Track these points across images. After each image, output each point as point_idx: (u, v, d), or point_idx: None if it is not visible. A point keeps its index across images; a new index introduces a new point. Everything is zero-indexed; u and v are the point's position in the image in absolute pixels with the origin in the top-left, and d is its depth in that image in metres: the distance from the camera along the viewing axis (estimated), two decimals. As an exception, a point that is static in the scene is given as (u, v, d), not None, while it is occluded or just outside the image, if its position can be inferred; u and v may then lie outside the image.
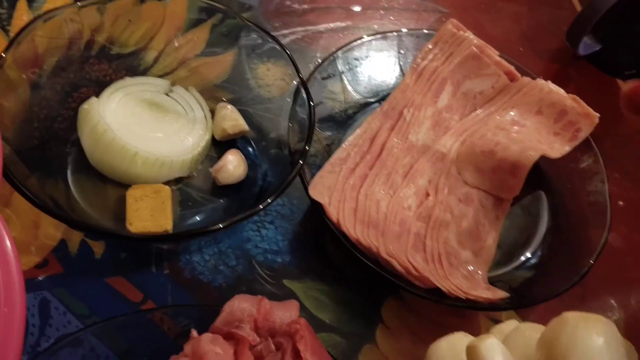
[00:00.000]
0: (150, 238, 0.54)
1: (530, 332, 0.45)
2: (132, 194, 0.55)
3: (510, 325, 0.47)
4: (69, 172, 0.58)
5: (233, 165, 0.59)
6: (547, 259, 0.63)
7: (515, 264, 0.63)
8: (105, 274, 0.55)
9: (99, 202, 0.56)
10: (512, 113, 0.68)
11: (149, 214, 0.55)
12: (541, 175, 0.70)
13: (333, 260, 0.60)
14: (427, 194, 0.62)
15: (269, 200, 0.50)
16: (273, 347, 0.44)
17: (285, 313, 0.46)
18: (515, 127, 0.67)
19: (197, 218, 0.58)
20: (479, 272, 0.59)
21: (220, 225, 0.49)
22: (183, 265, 0.56)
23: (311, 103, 0.56)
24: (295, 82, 0.59)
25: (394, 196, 0.60)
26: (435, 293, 0.55)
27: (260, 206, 0.50)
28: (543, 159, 0.65)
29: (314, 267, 0.59)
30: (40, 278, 0.53)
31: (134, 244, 0.57)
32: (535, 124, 0.67)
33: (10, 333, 0.34)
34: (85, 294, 0.53)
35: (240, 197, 0.59)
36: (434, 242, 0.58)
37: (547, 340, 0.42)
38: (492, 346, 0.43)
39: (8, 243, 0.37)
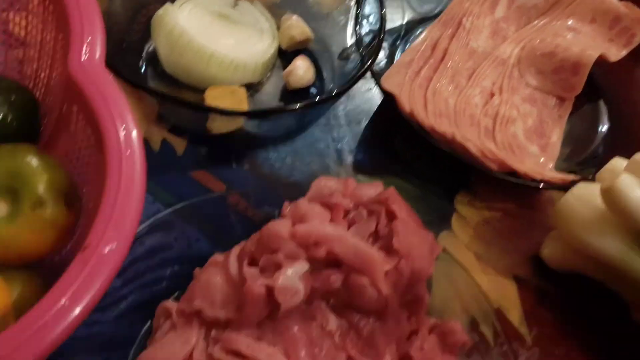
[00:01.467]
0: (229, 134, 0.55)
1: None
2: (210, 94, 0.57)
3: (618, 163, 0.50)
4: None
5: (302, 69, 0.61)
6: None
7: (579, 159, 0.63)
8: (188, 169, 0.56)
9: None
10: (567, 22, 0.69)
11: (229, 119, 0.56)
12: (597, 87, 0.71)
13: (403, 157, 0.61)
14: (492, 94, 0.63)
15: (348, 86, 0.52)
16: (365, 213, 0.45)
17: (370, 190, 0.48)
18: (572, 34, 0.67)
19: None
20: (548, 166, 0.60)
21: (297, 106, 0.50)
22: (261, 161, 0.58)
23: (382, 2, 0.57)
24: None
25: (461, 95, 0.61)
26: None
27: (337, 91, 0.53)
28: (599, 72, 0.67)
29: (385, 164, 0.60)
30: (126, 172, 0.54)
31: (215, 141, 0.58)
32: (590, 32, 0.69)
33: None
34: (171, 185, 0.55)
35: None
36: (503, 135, 0.59)
37: None
38: (628, 181, 0.45)
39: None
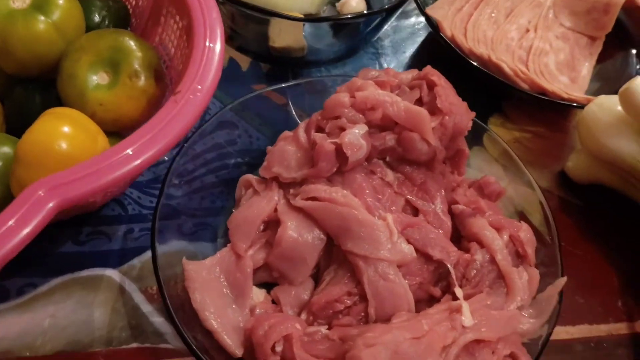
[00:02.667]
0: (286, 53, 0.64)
1: None
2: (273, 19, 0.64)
3: (639, 78, 0.57)
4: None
5: (355, 1, 0.68)
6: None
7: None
8: (251, 82, 0.65)
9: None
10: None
11: (289, 33, 0.63)
12: (629, 34, 0.76)
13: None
14: (528, 30, 0.69)
15: (395, 4, 0.62)
16: (408, 89, 0.52)
17: (408, 75, 0.56)
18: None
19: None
20: (574, 94, 0.66)
21: (349, 16, 0.58)
22: (316, 80, 0.65)
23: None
24: None
25: (499, 29, 0.68)
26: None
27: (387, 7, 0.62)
28: (631, 21, 0.77)
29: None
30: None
31: (275, 60, 0.66)
32: None
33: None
34: (236, 94, 0.63)
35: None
36: (535, 65, 0.65)
37: None
38: None
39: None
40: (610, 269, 0.60)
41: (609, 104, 0.59)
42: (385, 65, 0.72)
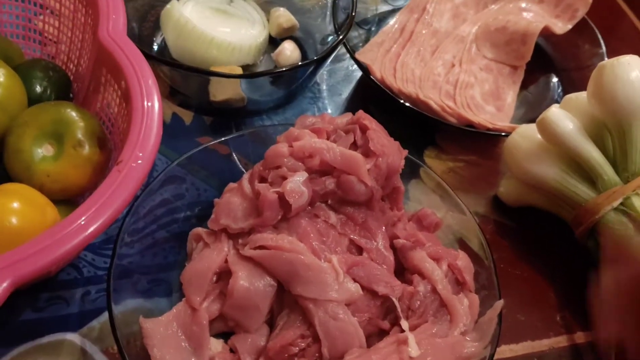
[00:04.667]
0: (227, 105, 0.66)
1: (577, 96, 0.65)
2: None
3: (552, 108, 0.61)
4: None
5: (289, 50, 0.73)
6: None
7: (532, 118, 0.73)
8: (195, 135, 0.67)
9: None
10: (518, 4, 0.80)
11: (228, 87, 0.66)
12: (549, 59, 0.81)
13: (377, 120, 0.71)
14: (453, 65, 0.73)
15: (326, 52, 0.67)
16: (343, 133, 0.55)
17: (343, 118, 0.60)
18: (523, 14, 0.78)
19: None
20: (502, 122, 0.70)
21: (284, 69, 0.61)
22: (257, 128, 0.68)
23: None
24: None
25: (425, 67, 0.72)
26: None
27: (317, 57, 0.66)
28: (549, 46, 0.84)
29: (364, 126, 0.70)
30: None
31: (217, 112, 0.69)
32: (538, 10, 0.81)
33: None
34: (180, 148, 0.65)
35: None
36: (462, 98, 0.70)
37: (594, 87, 0.60)
38: (557, 112, 0.57)
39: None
40: (547, 286, 0.64)
41: (529, 133, 0.63)
42: (323, 109, 0.76)
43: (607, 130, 0.61)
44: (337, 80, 0.80)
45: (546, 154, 0.62)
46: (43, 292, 0.55)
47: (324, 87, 0.78)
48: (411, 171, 0.66)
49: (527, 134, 0.64)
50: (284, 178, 0.55)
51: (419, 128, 0.74)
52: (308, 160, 0.56)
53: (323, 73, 0.80)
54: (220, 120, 0.72)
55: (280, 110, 0.74)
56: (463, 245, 0.62)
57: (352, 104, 0.77)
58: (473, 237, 0.62)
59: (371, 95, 0.74)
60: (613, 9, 1.01)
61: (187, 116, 0.72)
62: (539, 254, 0.66)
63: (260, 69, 0.77)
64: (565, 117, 0.59)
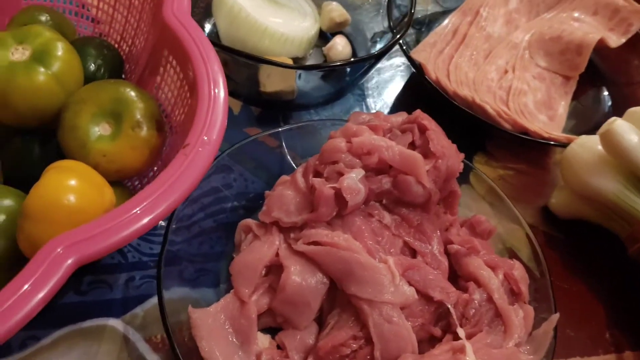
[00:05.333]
0: (277, 96, 0.66)
1: None
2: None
3: (618, 120, 0.60)
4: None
5: (341, 45, 0.71)
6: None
7: (583, 131, 0.71)
8: (243, 125, 0.66)
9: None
10: (572, 14, 0.78)
11: (279, 78, 0.65)
12: (600, 73, 0.80)
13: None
14: (506, 71, 0.72)
15: (381, 51, 0.65)
16: (399, 132, 0.54)
17: (398, 117, 0.58)
18: (576, 24, 0.77)
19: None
20: (554, 133, 0.69)
21: (338, 63, 0.59)
22: (306, 122, 0.67)
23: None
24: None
25: (479, 71, 0.70)
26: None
27: (371, 54, 0.64)
28: (601, 60, 0.81)
29: (413, 127, 0.68)
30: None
31: (266, 104, 0.67)
32: (592, 22, 0.79)
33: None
34: (228, 137, 0.63)
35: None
36: (515, 105, 0.68)
37: None
38: (622, 124, 0.55)
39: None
40: (597, 302, 0.62)
41: (590, 144, 0.62)
42: (371, 106, 0.74)
43: None
44: (385, 78, 0.78)
45: (606, 166, 0.60)
46: (86, 275, 0.54)
47: (372, 84, 0.77)
48: (461, 176, 0.64)
49: (587, 145, 0.62)
50: (341, 174, 0.53)
51: (470, 133, 0.72)
52: (366, 157, 0.54)
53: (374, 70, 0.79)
54: (268, 112, 0.71)
55: (328, 106, 0.73)
56: (513, 255, 0.60)
57: (401, 104, 0.76)
58: (523, 247, 0.61)
59: (421, 95, 0.73)
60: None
61: (235, 106, 0.71)
62: (589, 269, 0.65)
63: (310, 62, 0.76)
64: (630, 130, 0.58)
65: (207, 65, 0.49)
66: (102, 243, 0.38)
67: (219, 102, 0.47)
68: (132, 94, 0.51)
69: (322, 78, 0.69)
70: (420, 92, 0.71)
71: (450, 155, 0.56)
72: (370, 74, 0.78)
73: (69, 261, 0.37)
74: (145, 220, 0.39)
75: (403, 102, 0.76)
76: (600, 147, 0.60)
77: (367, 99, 0.75)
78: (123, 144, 0.50)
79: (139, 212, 0.39)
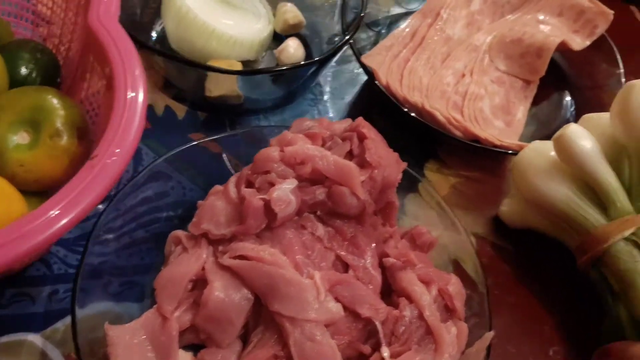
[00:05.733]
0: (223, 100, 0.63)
1: (598, 116, 0.61)
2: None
3: (572, 125, 0.58)
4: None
5: (293, 47, 0.69)
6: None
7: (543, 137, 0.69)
8: (187, 131, 0.64)
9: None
10: (536, 16, 0.76)
11: (223, 83, 0.63)
12: (563, 75, 0.77)
13: (381, 129, 0.67)
14: (463, 75, 0.70)
15: (329, 54, 0.63)
16: (340, 140, 0.52)
17: (341, 124, 0.56)
18: (541, 26, 0.75)
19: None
20: (510, 138, 0.67)
21: (284, 68, 0.57)
22: (251, 128, 0.65)
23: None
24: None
25: (435, 75, 0.68)
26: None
27: (319, 58, 0.63)
28: (565, 62, 0.80)
29: (365, 133, 0.67)
30: (133, 131, 0.62)
31: (212, 108, 0.66)
32: (557, 24, 0.77)
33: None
34: (170, 143, 0.62)
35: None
36: (470, 110, 0.66)
37: (620, 108, 0.56)
38: (576, 130, 0.53)
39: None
40: (543, 317, 0.60)
41: (543, 149, 0.60)
42: (324, 112, 0.72)
43: (626, 155, 0.57)
44: (342, 82, 0.76)
45: (558, 173, 0.58)
46: (8, 287, 0.52)
47: (327, 89, 0.75)
48: (409, 185, 0.62)
49: (540, 151, 0.60)
50: (272, 184, 0.52)
51: (422, 139, 0.70)
52: (299, 167, 0.53)
53: (327, 74, 0.77)
54: (214, 116, 0.69)
55: (278, 110, 0.71)
56: (457, 267, 0.59)
57: (355, 109, 0.74)
58: (468, 259, 0.59)
59: (375, 101, 0.71)
60: (635, 28, 0.97)
61: (180, 110, 0.69)
62: (537, 282, 0.63)
63: (262, 65, 0.74)
64: (584, 135, 0.56)
65: (126, 69, 0.47)
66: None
67: (134, 109, 0.45)
68: (54, 101, 0.50)
69: (271, 82, 0.68)
70: (374, 98, 0.69)
71: (387, 165, 0.54)
72: (325, 77, 0.76)
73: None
74: (31, 243, 0.37)
75: (357, 108, 0.74)
76: (553, 153, 0.58)
77: (320, 105, 0.73)
78: (41, 153, 0.49)
79: (30, 229, 0.37)
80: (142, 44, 0.59)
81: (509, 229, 0.66)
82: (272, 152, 0.53)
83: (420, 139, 0.70)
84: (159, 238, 0.56)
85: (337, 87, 0.76)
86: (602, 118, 0.60)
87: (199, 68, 0.61)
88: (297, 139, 0.54)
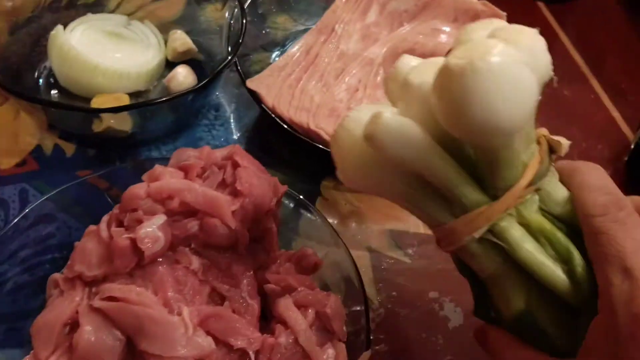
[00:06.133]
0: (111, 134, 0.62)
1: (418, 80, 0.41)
2: (96, 101, 0.66)
3: (384, 116, 0.38)
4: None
5: (182, 75, 0.69)
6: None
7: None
8: (75, 169, 0.64)
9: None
10: (432, 23, 0.76)
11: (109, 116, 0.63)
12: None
13: (275, 150, 0.67)
14: (357, 90, 0.70)
15: (210, 78, 0.63)
16: (216, 169, 0.52)
17: (223, 152, 0.56)
18: (438, 34, 0.75)
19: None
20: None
21: (168, 98, 0.57)
22: (143, 160, 0.65)
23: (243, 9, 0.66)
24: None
25: (327, 92, 0.68)
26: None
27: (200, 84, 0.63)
28: None
29: (259, 156, 0.66)
30: (19, 173, 0.62)
31: (101, 143, 0.65)
32: (452, 30, 0.78)
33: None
34: (58, 184, 0.61)
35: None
36: (363, 125, 0.66)
37: (444, 102, 0.36)
38: (390, 126, 0.38)
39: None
40: (434, 328, 0.60)
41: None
42: (217, 137, 0.72)
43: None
44: (242, 106, 0.76)
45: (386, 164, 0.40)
46: None
47: (222, 113, 0.75)
48: (303, 205, 0.62)
49: (358, 129, 0.40)
50: (140, 222, 0.51)
51: (318, 157, 0.70)
52: (167, 201, 0.52)
53: (221, 98, 0.76)
54: (104, 152, 0.68)
55: (170, 139, 0.71)
56: (349, 284, 0.59)
57: (254, 133, 0.73)
58: (364, 275, 0.59)
59: (270, 125, 0.71)
60: (542, 24, 0.98)
61: (69, 148, 0.68)
62: (432, 291, 0.63)
63: (153, 94, 0.73)
64: (402, 133, 0.37)
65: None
66: None
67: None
68: None
69: (158, 111, 0.67)
70: (270, 119, 0.69)
71: (258, 193, 0.54)
72: (219, 101, 0.76)
73: None
74: None
75: (257, 131, 0.74)
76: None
77: (214, 129, 0.73)
78: None
79: None
80: (17, 93, 0.59)
81: (406, 242, 0.66)
82: (138, 189, 0.53)
83: (315, 157, 0.70)
84: (44, 281, 0.56)
85: (238, 109, 0.75)
86: (424, 86, 0.39)
87: (61, 108, 0.61)
88: (164, 174, 0.54)
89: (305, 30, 0.83)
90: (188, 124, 0.72)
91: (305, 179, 0.67)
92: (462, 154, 0.40)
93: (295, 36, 0.83)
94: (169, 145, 0.70)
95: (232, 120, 0.74)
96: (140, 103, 0.64)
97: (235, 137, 0.73)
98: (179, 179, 0.54)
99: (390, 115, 0.37)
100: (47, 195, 0.58)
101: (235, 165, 0.55)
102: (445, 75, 0.34)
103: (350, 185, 0.46)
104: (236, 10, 0.71)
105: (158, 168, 0.55)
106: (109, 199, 0.61)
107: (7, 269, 0.55)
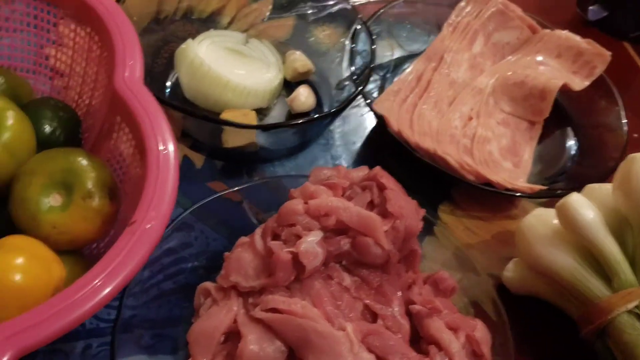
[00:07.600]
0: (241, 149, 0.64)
1: (600, 187, 0.61)
2: (225, 116, 0.66)
3: (574, 195, 0.57)
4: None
5: (304, 95, 0.71)
6: (575, 171, 0.72)
7: (549, 175, 0.71)
8: (205, 180, 0.65)
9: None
10: (536, 57, 0.78)
11: (240, 135, 0.64)
12: (566, 114, 0.79)
13: (393, 173, 0.68)
14: (470, 118, 0.71)
15: (342, 106, 0.65)
16: (359, 189, 0.53)
17: (359, 172, 0.57)
18: (541, 67, 0.77)
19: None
20: (520, 180, 0.68)
21: (299, 121, 0.59)
22: (268, 174, 0.66)
23: (372, 37, 0.68)
24: (356, 27, 0.70)
25: (443, 118, 0.70)
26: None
27: (334, 110, 0.64)
28: (566, 101, 0.81)
29: (378, 179, 0.68)
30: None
31: (229, 157, 0.66)
32: (556, 65, 0.79)
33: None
34: (190, 192, 0.63)
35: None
36: (479, 153, 0.68)
37: (622, 179, 0.57)
38: (578, 199, 0.56)
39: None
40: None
41: (546, 217, 0.60)
42: (335, 157, 0.73)
43: (629, 226, 0.57)
44: (351, 127, 0.78)
45: (562, 241, 0.57)
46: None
47: (338, 133, 0.76)
48: (426, 228, 0.63)
49: (544, 218, 0.59)
50: (299, 237, 0.52)
51: (435, 181, 0.72)
52: (324, 219, 0.54)
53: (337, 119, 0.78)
54: (231, 165, 0.70)
55: (292, 157, 0.72)
56: (478, 308, 0.59)
57: (366, 153, 0.75)
58: (488, 301, 0.60)
59: (386, 145, 0.72)
60: (629, 64, 1.00)
61: (198, 159, 0.70)
62: (539, 350, 0.62)
63: (274, 112, 0.75)
64: (586, 205, 0.56)
65: (157, 135, 0.48)
66: (40, 334, 0.36)
67: (166, 174, 0.46)
68: (84, 162, 0.50)
69: (285, 132, 0.69)
70: (386, 141, 0.70)
71: (408, 215, 0.55)
72: (336, 122, 0.77)
73: (5, 357, 0.35)
74: (87, 307, 0.38)
75: (368, 153, 0.75)
76: (557, 220, 0.58)
77: (332, 150, 0.74)
78: (74, 214, 0.49)
79: (76, 299, 0.38)
80: (161, 100, 0.60)
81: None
82: (296, 205, 0.54)
83: (433, 181, 0.71)
84: (186, 289, 0.57)
85: (347, 132, 0.77)
86: (604, 188, 0.60)
87: (217, 123, 0.62)
88: (320, 191, 0.55)
89: (409, 56, 0.85)
90: (308, 145, 0.73)
91: (423, 203, 0.68)
92: (624, 243, 0.56)
93: (400, 61, 0.85)
94: (290, 162, 0.71)
95: (345, 142, 0.76)
96: (293, 123, 0.66)
97: (350, 157, 0.74)
98: (337, 198, 0.55)
99: (579, 195, 0.57)
100: (190, 209, 0.59)
101: (382, 187, 0.56)
102: (629, 160, 0.57)
103: (529, 259, 0.61)
104: (362, 34, 0.73)
105: (310, 185, 0.57)
106: (247, 212, 0.62)
107: (150, 275, 0.56)
